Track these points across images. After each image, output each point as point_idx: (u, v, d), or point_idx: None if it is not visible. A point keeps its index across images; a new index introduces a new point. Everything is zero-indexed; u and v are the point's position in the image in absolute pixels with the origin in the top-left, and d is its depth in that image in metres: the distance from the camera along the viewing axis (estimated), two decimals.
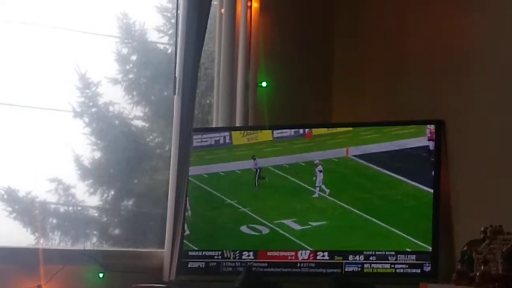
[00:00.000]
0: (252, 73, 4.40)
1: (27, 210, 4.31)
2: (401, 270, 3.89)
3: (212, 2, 4.32)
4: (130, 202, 4.63)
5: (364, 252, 3.95)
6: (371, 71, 4.49)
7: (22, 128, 4.21)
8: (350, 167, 4.14)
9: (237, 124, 4.36)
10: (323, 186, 4.12)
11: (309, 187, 4.15)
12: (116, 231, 4.62)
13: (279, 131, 4.28)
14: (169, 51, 4.66)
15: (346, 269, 3.96)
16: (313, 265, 4.02)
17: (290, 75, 4.57)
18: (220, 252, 4.14)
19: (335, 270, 3.97)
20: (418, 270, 3.86)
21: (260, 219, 4.16)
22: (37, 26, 4.27)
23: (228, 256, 4.13)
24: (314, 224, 4.08)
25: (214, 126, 4.45)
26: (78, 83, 4.50)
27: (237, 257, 4.11)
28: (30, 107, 4.24)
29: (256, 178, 4.24)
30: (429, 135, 4.03)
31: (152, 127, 4.71)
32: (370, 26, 4.52)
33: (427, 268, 3.84)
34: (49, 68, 4.30)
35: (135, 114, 4.64)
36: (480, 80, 4.00)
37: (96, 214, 4.56)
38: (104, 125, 4.55)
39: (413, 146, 4.05)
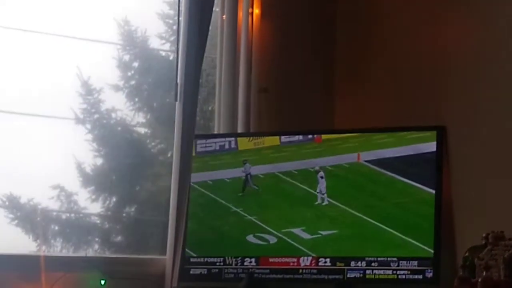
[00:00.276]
0: (254, 79, 4.40)
1: (29, 217, 4.32)
2: (403, 276, 3.87)
3: (214, 9, 4.32)
4: (132, 209, 4.63)
5: (366, 258, 3.93)
6: (373, 76, 4.49)
7: (24, 135, 4.21)
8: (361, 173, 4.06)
9: (239, 130, 4.33)
10: (325, 195, 4.09)
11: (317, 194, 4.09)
12: (118, 238, 4.61)
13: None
14: (171, 57, 4.66)
15: (348, 276, 3.95)
16: (315, 271, 4.00)
17: (292, 81, 4.57)
18: (222, 259, 4.12)
19: (337, 277, 3.96)
20: (420, 276, 3.84)
21: (268, 228, 4.10)
22: (39, 33, 4.27)
23: (230, 262, 4.11)
24: (324, 233, 4.03)
25: (216, 132, 4.42)
26: (80, 89, 4.50)
27: (239, 264, 4.10)
28: (32, 114, 4.25)
29: (244, 184, 4.16)
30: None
31: (154, 133, 4.71)
32: (371, 32, 4.51)
33: (429, 274, 3.83)
34: (51, 75, 4.30)
35: (137, 120, 4.65)
36: (482, 85, 4.00)
37: (98, 221, 4.56)
38: (106, 131, 4.56)
39: (420, 152, 3.98)
